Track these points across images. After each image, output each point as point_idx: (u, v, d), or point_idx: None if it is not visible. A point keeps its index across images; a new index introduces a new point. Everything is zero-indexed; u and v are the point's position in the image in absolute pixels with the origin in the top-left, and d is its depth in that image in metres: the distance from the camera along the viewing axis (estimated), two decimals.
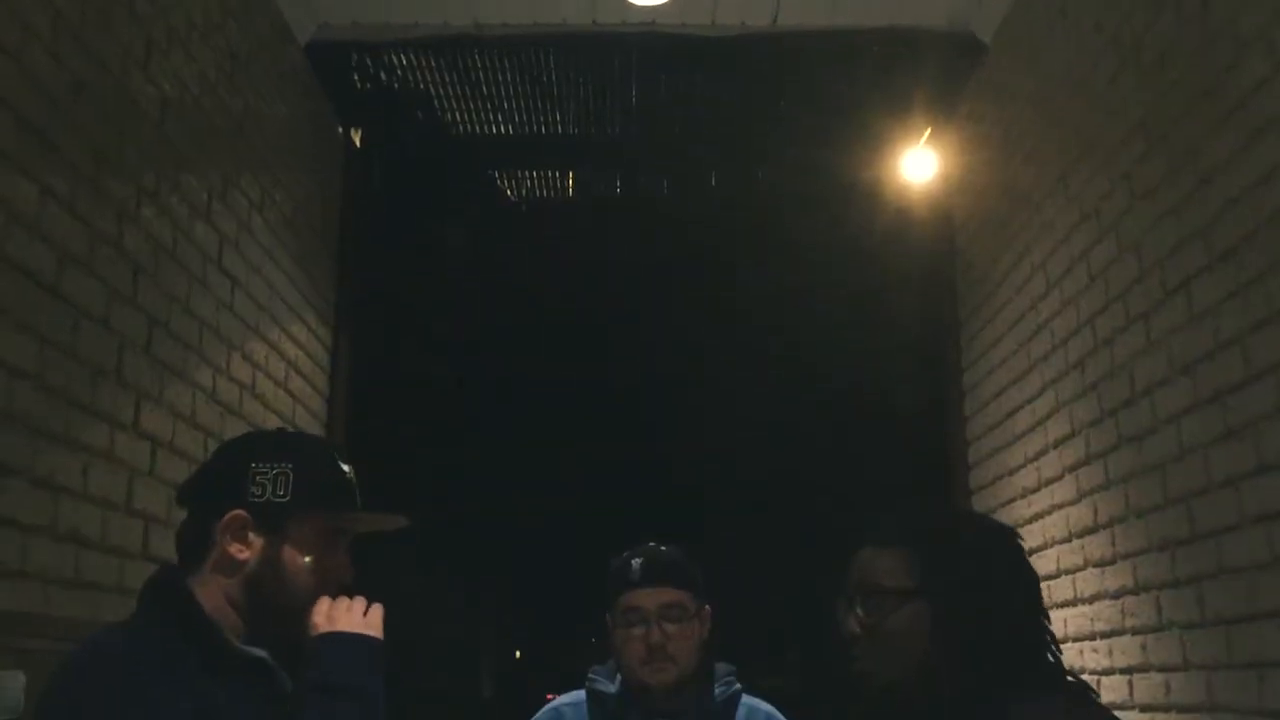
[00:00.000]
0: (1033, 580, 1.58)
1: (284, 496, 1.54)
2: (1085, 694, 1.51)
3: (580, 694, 2.35)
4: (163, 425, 3.07)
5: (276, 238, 4.00)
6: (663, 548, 2.33)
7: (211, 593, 1.53)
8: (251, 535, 1.54)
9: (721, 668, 2.35)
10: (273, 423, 3.87)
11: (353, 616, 1.54)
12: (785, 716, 2.37)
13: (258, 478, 1.55)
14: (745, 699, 2.34)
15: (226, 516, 1.53)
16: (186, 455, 3.18)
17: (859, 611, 1.57)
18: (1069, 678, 1.53)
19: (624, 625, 2.24)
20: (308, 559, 1.55)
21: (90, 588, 2.67)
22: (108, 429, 2.78)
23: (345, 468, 1.65)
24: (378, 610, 1.58)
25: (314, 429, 4.32)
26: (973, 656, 1.49)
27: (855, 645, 1.57)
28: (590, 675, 2.35)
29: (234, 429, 3.51)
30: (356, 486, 1.64)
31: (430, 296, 6.56)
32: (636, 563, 2.27)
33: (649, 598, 2.23)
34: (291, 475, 1.56)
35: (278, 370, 3.99)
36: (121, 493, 2.85)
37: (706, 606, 2.31)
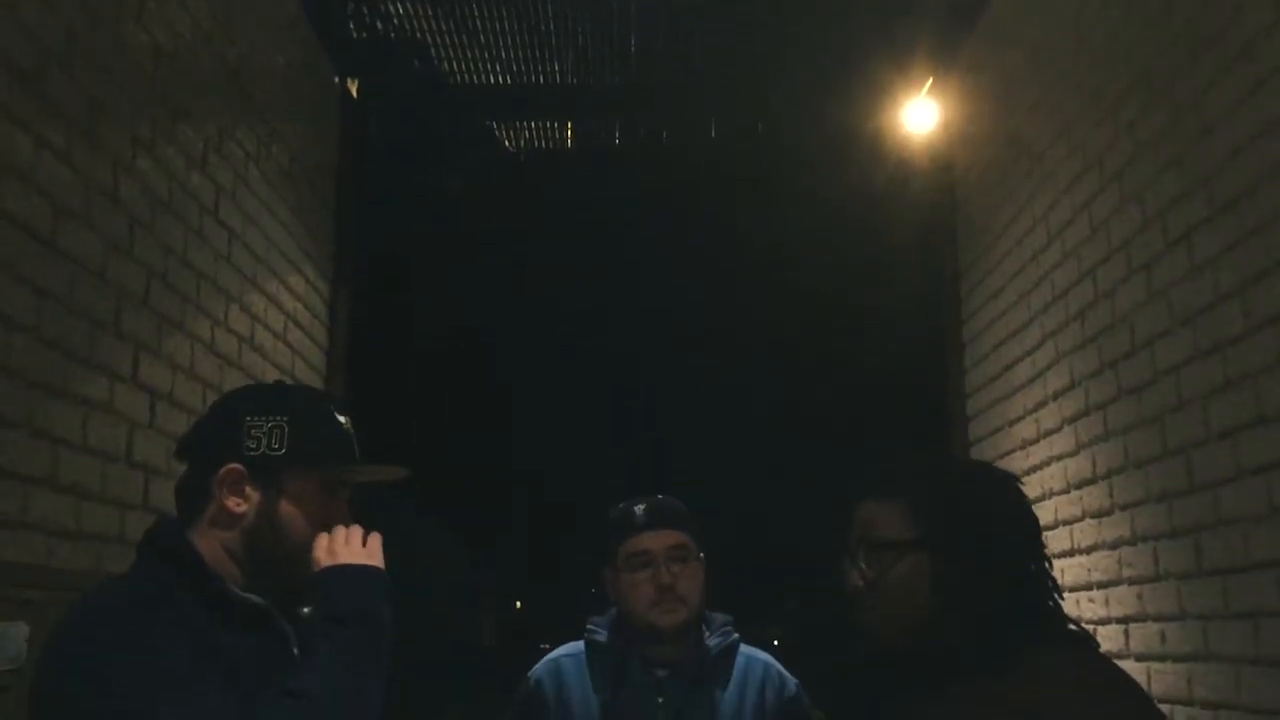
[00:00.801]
0: (1034, 527, 1.58)
1: (279, 450, 1.54)
2: (1087, 643, 1.51)
3: (579, 645, 2.37)
4: (162, 377, 3.06)
5: (274, 189, 3.97)
6: (660, 496, 2.35)
7: (210, 545, 1.54)
8: (248, 489, 1.54)
9: (719, 617, 2.36)
10: (271, 375, 3.87)
11: (353, 548, 1.54)
12: (783, 666, 2.39)
13: (253, 431, 1.55)
14: (743, 648, 2.35)
15: (222, 470, 1.53)
16: (186, 407, 3.18)
17: (860, 565, 1.57)
18: (1070, 626, 1.54)
19: (630, 570, 2.26)
20: (305, 512, 1.55)
21: (92, 539, 2.68)
22: (106, 381, 2.78)
23: (341, 419, 1.64)
24: (376, 539, 1.58)
25: (313, 381, 4.32)
26: (975, 606, 1.49)
27: (857, 598, 1.58)
28: (589, 626, 2.36)
29: (233, 381, 3.51)
30: (354, 438, 1.64)
31: (428, 248, 6.53)
32: (640, 508, 2.29)
33: (656, 540, 2.25)
34: (287, 428, 1.55)
35: (276, 322, 3.98)
36: (121, 444, 2.85)
37: (703, 554, 2.33)
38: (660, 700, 2.23)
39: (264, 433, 1.54)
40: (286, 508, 1.54)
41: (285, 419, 1.56)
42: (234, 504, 1.53)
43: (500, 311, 8.43)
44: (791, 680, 2.35)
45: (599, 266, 7.84)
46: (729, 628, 2.35)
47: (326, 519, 1.58)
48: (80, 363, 2.66)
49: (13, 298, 2.38)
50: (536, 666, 2.37)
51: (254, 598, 1.53)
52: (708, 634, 2.32)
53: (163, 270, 3.08)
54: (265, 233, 3.89)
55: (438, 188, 6.13)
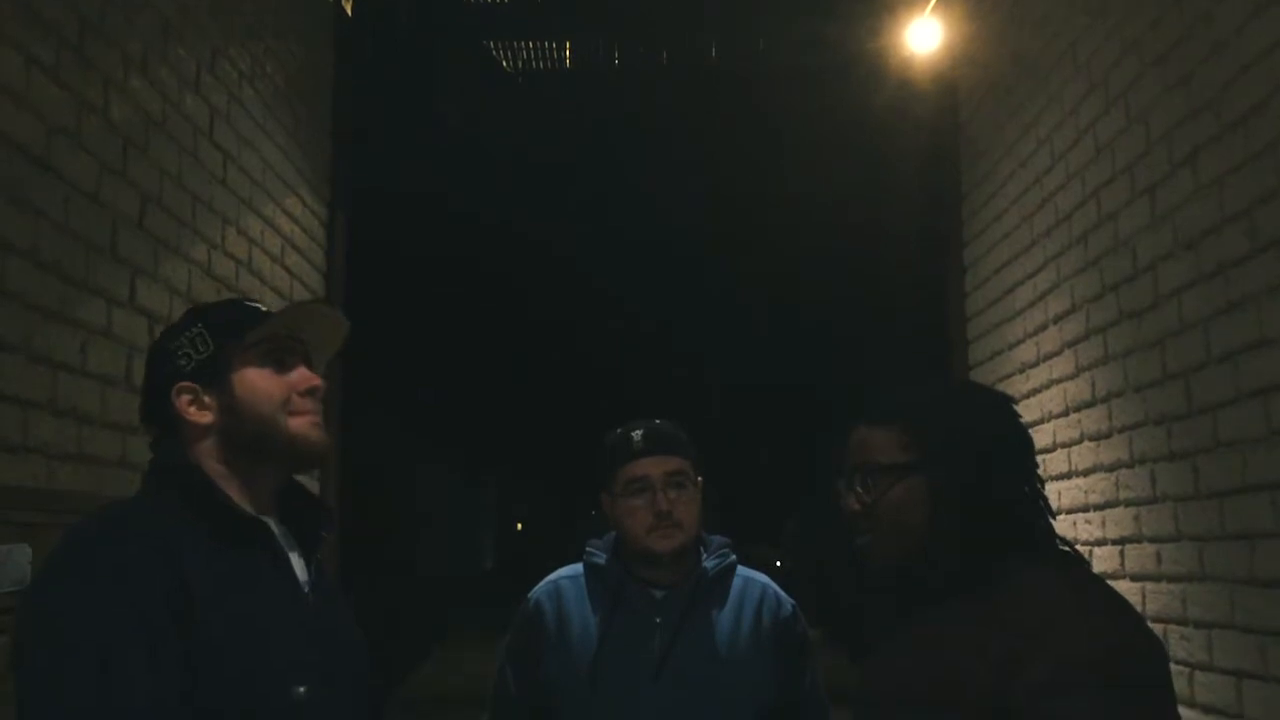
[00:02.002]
0: (1028, 449, 1.59)
1: (208, 349, 1.57)
2: (1080, 563, 1.53)
3: (578, 567, 2.39)
4: (159, 301, 3.05)
5: (269, 110, 3.93)
6: (658, 420, 2.35)
7: (206, 467, 1.56)
8: (205, 398, 1.57)
9: (716, 540, 2.38)
10: (269, 299, 3.85)
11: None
12: (781, 587, 2.41)
13: (178, 351, 1.58)
14: (741, 570, 2.37)
15: (174, 395, 1.56)
16: None
17: (857, 489, 1.58)
18: (1063, 547, 1.55)
19: (628, 495, 2.26)
20: (260, 385, 1.58)
21: (93, 462, 2.69)
22: (104, 305, 2.77)
23: (253, 304, 1.68)
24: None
25: None
26: (969, 528, 1.50)
27: (855, 522, 1.59)
28: (588, 549, 2.38)
29: None
30: (273, 313, 1.65)
31: (426, 169, 6.48)
32: (638, 434, 2.29)
33: (654, 465, 2.25)
34: (205, 330, 1.59)
35: (274, 246, 3.96)
36: (120, 369, 2.85)
37: (700, 478, 2.34)
38: (658, 621, 2.25)
39: (188, 345, 1.58)
40: (240, 390, 1.57)
41: (199, 325, 1.60)
42: (200, 416, 1.56)
43: (498, 233, 8.39)
44: (788, 601, 2.37)
45: (599, 187, 7.79)
46: (726, 550, 2.36)
47: (287, 382, 1.60)
48: (77, 286, 2.64)
49: (6, 218, 2.37)
50: (536, 588, 2.39)
51: (252, 511, 1.55)
52: (705, 556, 2.33)
53: (157, 193, 3.05)
54: (261, 155, 3.85)
55: (434, 108, 6.06)
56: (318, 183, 4.49)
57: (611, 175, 7.53)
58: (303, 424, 1.59)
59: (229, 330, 1.59)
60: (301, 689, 1.45)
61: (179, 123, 3.20)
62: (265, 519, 1.57)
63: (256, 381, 1.58)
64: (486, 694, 2.41)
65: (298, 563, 1.59)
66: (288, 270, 4.10)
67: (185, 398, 1.56)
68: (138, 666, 1.33)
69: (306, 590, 1.57)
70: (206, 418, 1.56)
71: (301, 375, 1.61)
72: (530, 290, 10.53)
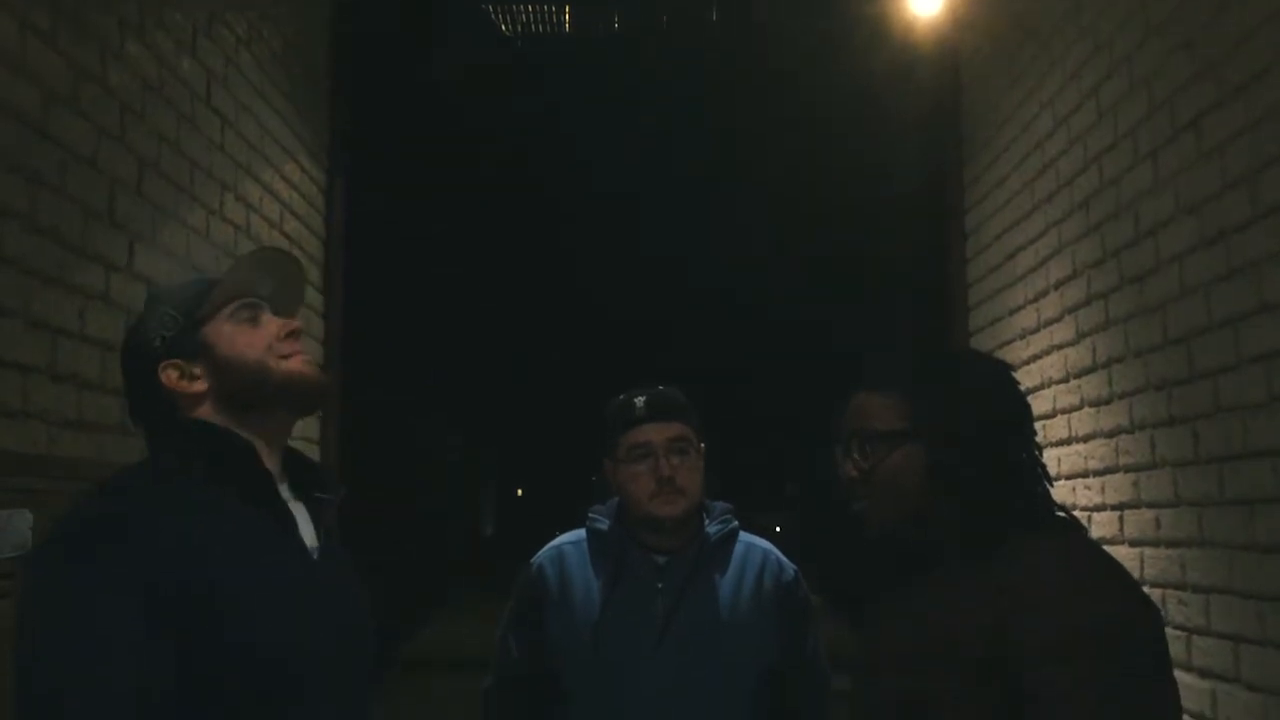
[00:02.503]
0: (1025, 416, 1.59)
1: (177, 324, 1.57)
2: (1076, 529, 1.53)
3: (580, 533, 2.40)
4: (158, 267, 3.04)
5: (266, 75, 3.90)
6: (660, 387, 2.35)
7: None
8: (192, 368, 1.56)
9: (719, 506, 2.39)
10: None
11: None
12: (783, 553, 2.42)
13: (149, 334, 1.58)
14: (743, 536, 2.38)
15: (161, 377, 1.55)
16: None
17: (855, 455, 1.59)
18: (1059, 513, 1.56)
19: (630, 461, 2.27)
20: (241, 342, 1.58)
21: (93, 428, 2.69)
22: (102, 270, 2.77)
23: (202, 276, 1.68)
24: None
25: (311, 272, 4.29)
26: (967, 495, 1.51)
27: (853, 488, 1.60)
28: (590, 515, 2.39)
29: None
30: (219, 279, 1.65)
31: (424, 135, 6.45)
32: (641, 400, 2.30)
33: (657, 432, 2.26)
34: (168, 306, 1.59)
35: (272, 212, 3.95)
36: (119, 334, 2.83)
37: (703, 444, 2.34)
38: (660, 586, 2.26)
39: (158, 324, 1.58)
40: (223, 351, 1.57)
41: (160, 305, 1.60)
42: (192, 386, 1.56)
43: (497, 197, 8.36)
44: (790, 566, 2.38)
45: (596, 150, 7.76)
46: (729, 515, 2.37)
47: (266, 334, 1.60)
48: (75, 252, 2.64)
49: (4, 184, 2.36)
50: (539, 553, 2.40)
51: (258, 465, 1.54)
52: (708, 522, 2.34)
53: (155, 158, 3.04)
54: (259, 120, 3.83)
55: (432, 74, 6.03)
56: (316, 149, 4.47)
57: (610, 140, 7.50)
58: (294, 363, 1.60)
59: (192, 301, 1.59)
60: (305, 654, 1.46)
61: (176, 88, 3.18)
62: (270, 475, 1.56)
63: (236, 337, 1.58)
64: (488, 658, 2.43)
65: (305, 528, 1.59)
66: (287, 236, 4.08)
67: (172, 373, 1.56)
68: (127, 642, 1.32)
69: (315, 556, 1.57)
70: (199, 385, 1.56)
71: (276, 323, 1.62)
72: (531, 253, 10.51)
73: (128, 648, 1.32)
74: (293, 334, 1.62)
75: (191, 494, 1.46)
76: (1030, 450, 1.57)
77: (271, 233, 3.93)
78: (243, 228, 3.66)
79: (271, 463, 1.58)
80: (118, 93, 2.84)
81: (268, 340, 1.59)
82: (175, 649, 1.34)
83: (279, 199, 4.02)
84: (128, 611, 1.33)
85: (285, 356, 1.59)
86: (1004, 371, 1.63)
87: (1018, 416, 1.58)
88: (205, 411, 1.56)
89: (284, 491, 1.58)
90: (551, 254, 10.55)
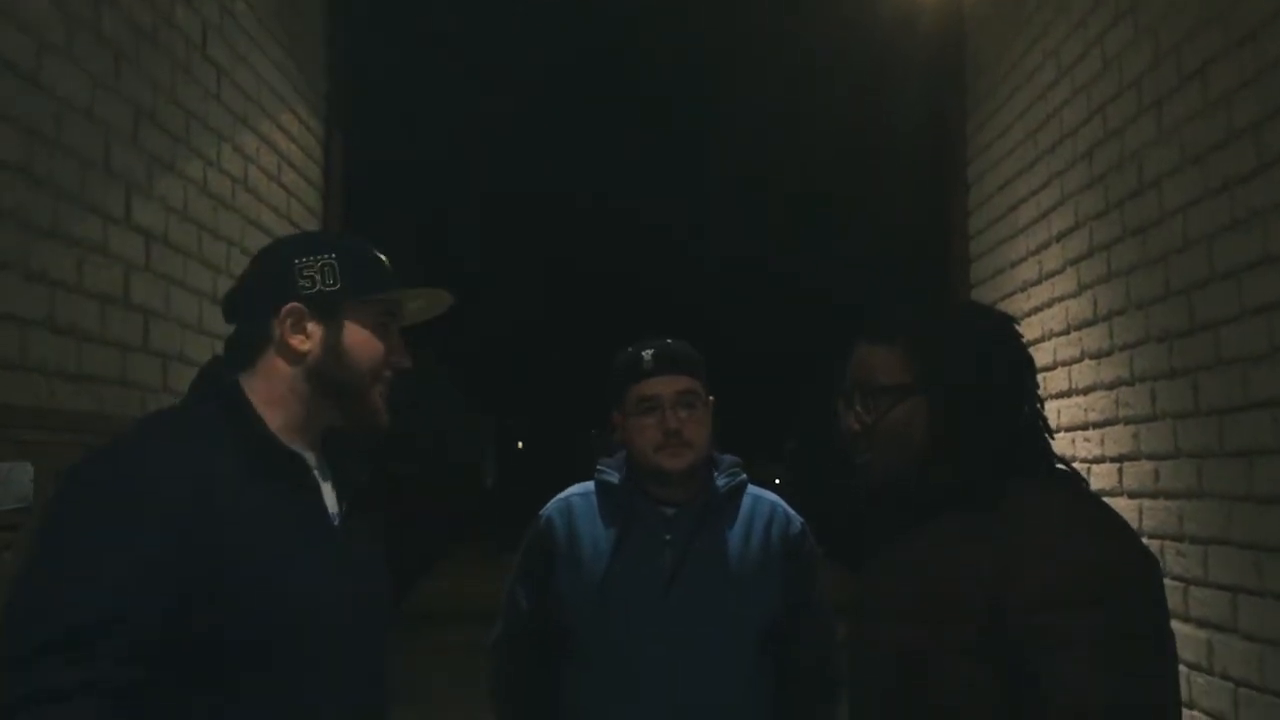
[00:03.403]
0: (1028, 369, 1.59)
1: (334, 285, 1.56)
2: (1076, 481, 1.54)
3: (589, 485, 2.40)
4: (155, 218, 3.03)
5: (262, 24, 3.86)
6: (669, 340, 2.35)
7: (269, 386, 1.55)
8: (310, 325, 1.56)
9: (727, 459, 2.39)
10: (266, 216, 3.82)
11: None
12: (789, 505, 2.43)
13: (305, 271, 1.56)
14: (751, 489, 2.39)
15: (283, 310, 1.55)
16: (181, 249, 3.15)
17: (857, 408, 1.58)
18: (1059, 465, 1.56)
19: (638, 414, 2.28)
20: (366, 341, 1.59)
21: (93, 380, 2.69)
22: (100, 222, 2.75)
23: (382, 255, 1.66)
24: None
25: (309, 223, 4.27)
26: (969, 447, 1.51)
27: (855, 441, 1.59)
28: (599, 467, 2.39)
29: (227, 222, 3.48)
30: (396, 275, 1.66)
31: (421, 84, 6.40)
32: (649, 353, 2.29)
33: (664, 385, 2.27)
34: (337, 264, 1.57)
35: (269, 163, 3.92)
36: (118, 286, 2.83)
37: (711, 398, 2.34)
38: (668, 538, 2.27)
39: (316, 271, 1.56)
40: (349, 339, 1.57)
41: (334, 256, 1.58)
42: (298, 341, 1.55)
43: (496, 150, 8.31)
44: (798, 519, 2.39)
45: (594, 103, 7.70)
46: (738, 468, 2.38)
47: (388, 348, 1.61)
48: (71, 202, 2.62)
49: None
50: (548, 505, 2.41)
51: (291, 445, 1.54)
52: (717, 474, 2.35)
53: (151, 108, 3.01)
54: (255, 70, 3.79)
55: (429, 22, 5.97)
56: (314, 100, 4.43)
57: (609, 86, 7.45)
58: (382, 402, 1.61)
59: (360, 280, 1.59)
60: (318, 620, 1.46)
61: (171, 36, 3.14)
62: (304, 453, 1.56)
63: (363, 339, 1.58)
64: (495, 608, 2.44)
65: (329, 495, 1.59)
66: (284, 188, 4.06)
67: (292, 318, 1.55)
68: (129, 570, 1.34)
69: (337, 523, 1.57)
70: (305, 345, 1.56)
71: (401, 352, 1.63)
72: (532, 203, 10.46)
73: (129, 570, 1.33)
74: (404, 373, 1.63)
75: (217, 452, 1.46)
76: (1033, 404, 1.57)
77: (269, 184, 3.90)
78: (240, 179, 3.63)
79: (310, 437, 1.59)
80: (111, 41, 2.80)
81: (384, 357, 1.60)
82: (177, 600, 1.35)
83: (277, 150, 3.99)
84: (139, 548, 1.35)
85: (382, 385, 1.60)
86: (1007, 324, 1.62)
87: (1021, 370, 1.58)
88: (283, 370, 1.55)
89: (314, 460, 1.58)
90: (552, 201, 10.51)
